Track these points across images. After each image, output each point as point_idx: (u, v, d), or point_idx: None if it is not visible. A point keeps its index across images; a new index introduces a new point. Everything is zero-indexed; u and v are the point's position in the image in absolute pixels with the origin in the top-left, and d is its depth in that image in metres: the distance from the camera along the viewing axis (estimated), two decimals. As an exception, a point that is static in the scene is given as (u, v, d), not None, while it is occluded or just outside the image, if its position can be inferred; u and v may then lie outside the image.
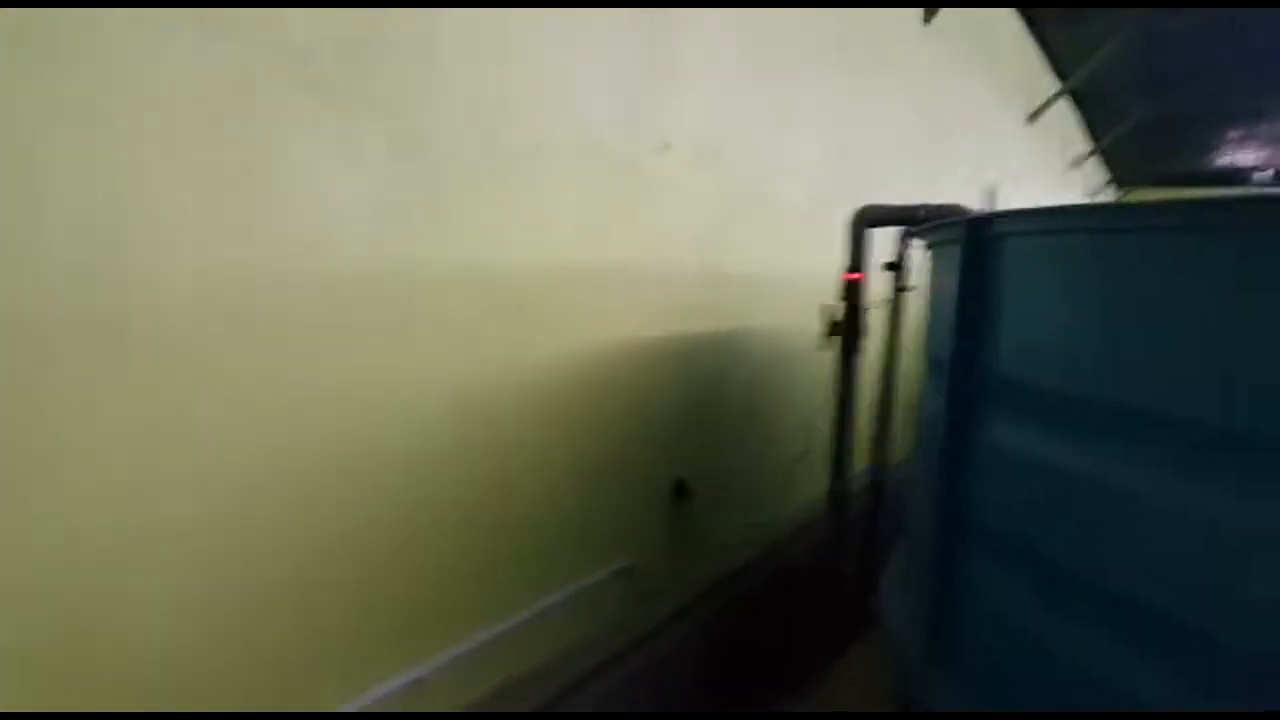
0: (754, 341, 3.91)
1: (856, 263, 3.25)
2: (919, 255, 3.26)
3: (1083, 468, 1.75)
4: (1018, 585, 1.89)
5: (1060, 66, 10.05)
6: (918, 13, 5.71)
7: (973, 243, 2.10)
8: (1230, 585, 1.44)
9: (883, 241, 3.39)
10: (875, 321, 3.36)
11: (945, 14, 5.86)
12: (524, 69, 2.44)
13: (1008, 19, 8.12)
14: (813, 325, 3.33)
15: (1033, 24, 8.79)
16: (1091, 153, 13.52)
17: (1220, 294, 1.48)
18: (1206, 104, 11.99)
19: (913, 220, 3.05)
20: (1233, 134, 13.69)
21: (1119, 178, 17.54)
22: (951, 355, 2.13)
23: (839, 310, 3.28)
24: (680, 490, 3.54)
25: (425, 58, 2.15)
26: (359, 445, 2.10)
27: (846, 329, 3.25)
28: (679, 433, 3.49)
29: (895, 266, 3.36)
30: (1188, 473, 1.54)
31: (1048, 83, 9.89)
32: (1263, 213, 1.45)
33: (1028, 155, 9.78)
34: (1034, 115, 9.64)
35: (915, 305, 3.62)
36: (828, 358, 3.36)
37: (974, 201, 2.96)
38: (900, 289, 3.36)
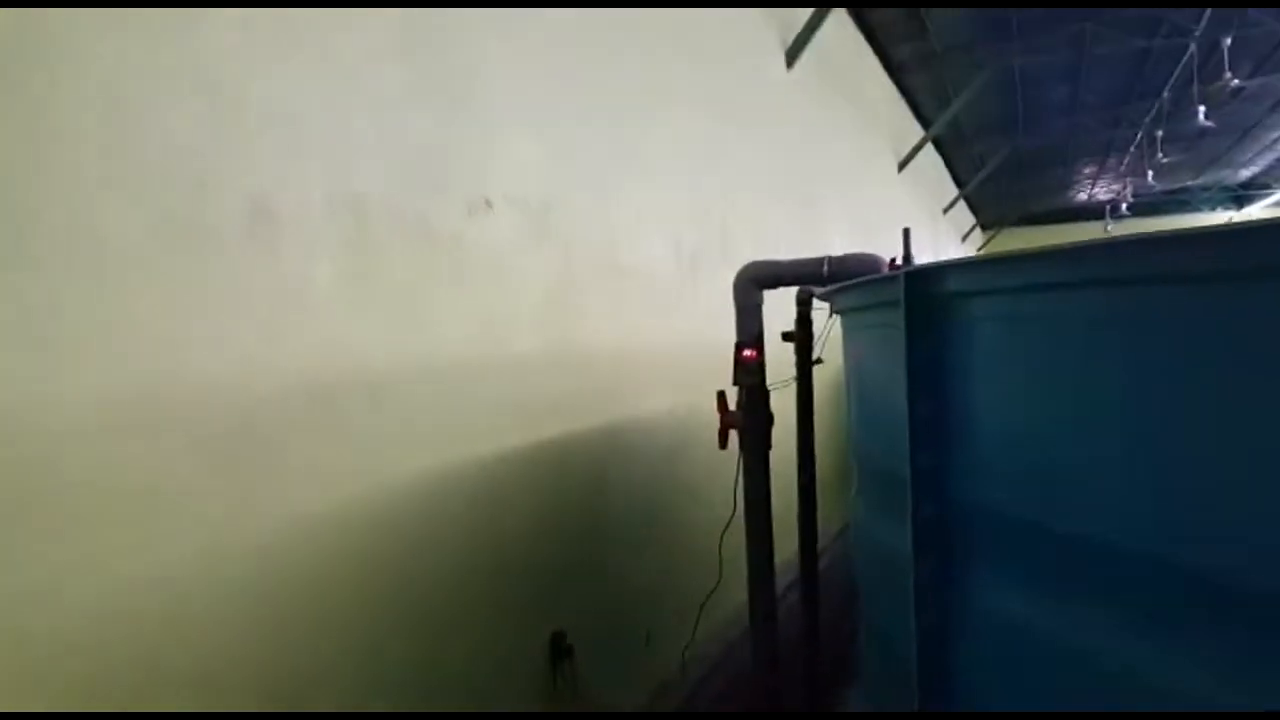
0: (636, 439, 3.15)
1: (750, 335, 2.57)
2: (826, 320, 2.60)
3: (1138, 659, 1.05)
4: None
5: (923, 114, 10.06)
6: (779, 58, 5.28)
7: (919, 308, 1.41)
8: None
9: (778, 305, 2.73)
10: (782, 405, 2.67)
11: (806, 60, 5.46)
12: (217, 103, 1.65)
13: (869, 66, 7.94)
14: (710, 410, 2.60)
15: (893, 71, 8.69)
16: (958, 198, 13.75)
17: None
18: (1059, 143, 12.39)
19: (815, 279, 2.40)
20: (1087, 170, 14.26)
21: (984, 221, 18.12)
22: (911, 476, 1.41)
23: (737, 397, 2.57)
24: (558, 647, 2.68)
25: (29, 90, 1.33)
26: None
27: (748, 421, 2.54)
28: (551, 572, 2.65)
29: (798, 337, 2.69)
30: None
31: (914, 130, 9.85)
32: None
33: (904, 203, 9.63)
34: (904, 163, 9.53)
35: (827, 382, 2.95)
36: (733, 454, 2.62)
37: (872, 250, 2.33)
38: (806, 364, 2.69)
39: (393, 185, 2.08)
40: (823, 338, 2.69)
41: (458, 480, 2.24)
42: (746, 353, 2.58)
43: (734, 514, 2.63)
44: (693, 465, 3.29)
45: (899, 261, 2.30)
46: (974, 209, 16.80)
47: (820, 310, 2.68)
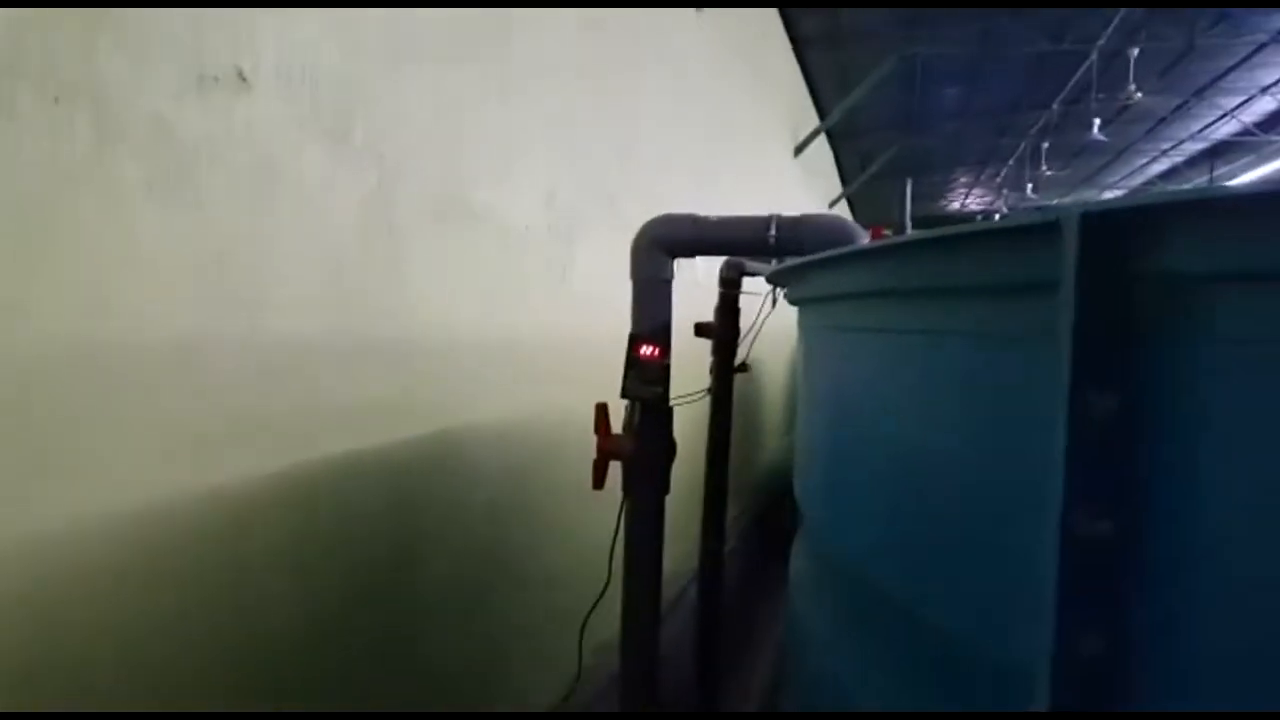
0: (476, 458, 2.25)
1: (654, 324, 1.74)
2: (761, 306, 1.80)
3: None
4: None
5: (820, 101, 9.56)
6: (685, -7, 4.45)
7: (1106, 307, 0.61)
8: None
9: (679, 284, 1.93)
10: (685, 428, 1.86)
11: (712, 11, 4.66)
12: None
13: (774, 31, 7.28)
14: (585, 422, 1.76)
15: (797, 44, 8.09)
16: (841, 195, 13.48)
17: None
18: (944, 148, 12.28)
19: (757, 246, 1.59)
20: (963, 179, 14.34)
21: (861, 221, 18.09)
22: (1049, 681, 0.62)
23: (626, 415, 1.74)
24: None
25: None
26: None
27: (640, 450, 1.72)
28: (312, 671, 1.72)
29: (718, 331, 1.88)
30: None
31: (810, 115, 9.32)
32: None
33: (797, 190, 9.08)
34: (800, 148, 8.98)
35: (755, 394, 2.17)
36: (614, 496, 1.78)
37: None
38: (727, 370, 1.89)
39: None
40: (752, 332, 1.90)
41: (129, 545, 1.28)
42: (646, 350, 1.75)
43: (606, 586, 1.79)
44: (559, 498, 2.42)
45: (887, 231, 1.53)
46: (853, 209, 16.67)
47: (750, 295, 1.89)
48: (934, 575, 0.87)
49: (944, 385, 0.82)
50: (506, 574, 2.25)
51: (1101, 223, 0.62)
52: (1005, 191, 13.57)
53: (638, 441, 1.73)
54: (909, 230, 1.53)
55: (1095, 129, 8.13)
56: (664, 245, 1.75)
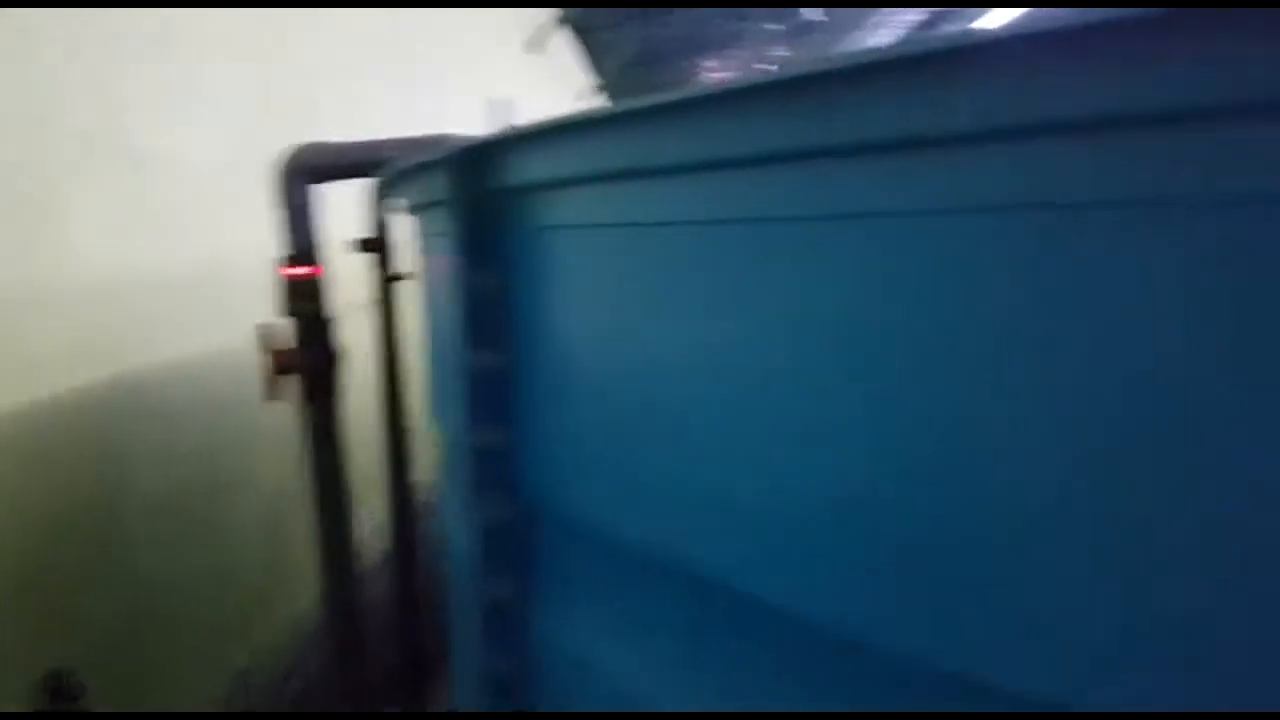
0: (174, 395, 2.41)
1: (303, 245, 1.99)
2: (408, 224, 2.10)
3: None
4: None
5: (556, -11, 9.66)
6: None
7: (474, 211, 0.98)
8: None
9: (349, 203, 2.18)
10: (361, 334, 2.16)
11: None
12: None
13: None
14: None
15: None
16: (602, 87, 13.62)
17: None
18: (688, 29, 12.71)
19: (378, 165, 1.86)
20: (708, 64, 14.95)
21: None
22: (472, 460, 1.01)
23: (287, 332, 1.99)
24: (61, 694, 1.97)
25: None
26: None
27: (307, 361, 1.99)
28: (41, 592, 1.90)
29: (375, 245, 2.16)
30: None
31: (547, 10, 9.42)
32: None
33: (533, 88, 9.25)
34: (534, 43, 9.10)
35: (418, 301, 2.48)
36: (288, 413, 2.06)
37: (478, 128, 1.85)
38: (389, 279, 2.17)
39: None
40: (408, 245, 2.19)
41: None
42: (301, 270, 2.00)
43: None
44: (268, 424, 2.63)
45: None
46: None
47: (400, 212, 2.17)
48: (456, 410, 1.24)
49: (442, 275, 1.18)
50: (226, 496, 2.47)
51: (468, 156, 0.97)
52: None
53: (302, 353, 2.00)
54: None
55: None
56: (303, 172, 2.00)
